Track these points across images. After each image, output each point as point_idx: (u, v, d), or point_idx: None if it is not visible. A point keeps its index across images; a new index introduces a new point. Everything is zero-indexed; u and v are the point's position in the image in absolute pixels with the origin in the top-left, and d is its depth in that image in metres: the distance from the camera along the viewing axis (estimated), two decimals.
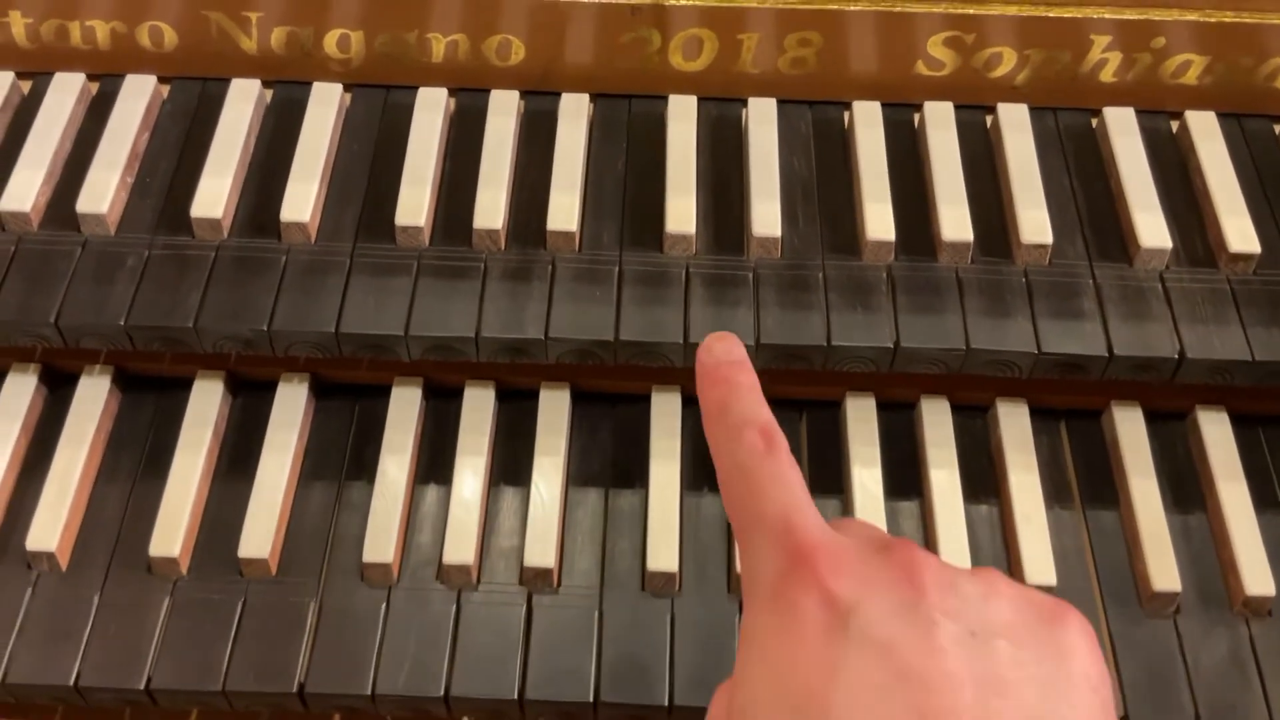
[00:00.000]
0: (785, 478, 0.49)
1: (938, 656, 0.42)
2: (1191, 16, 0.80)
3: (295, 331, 0.73)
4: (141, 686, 0.68)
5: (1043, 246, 0.76)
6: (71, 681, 0.69)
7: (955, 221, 0.76)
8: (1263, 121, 0.84)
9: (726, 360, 0.55)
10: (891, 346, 0.73)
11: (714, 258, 0.76)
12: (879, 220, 0.77)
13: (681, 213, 0.77)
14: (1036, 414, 0.79)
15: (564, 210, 0.77)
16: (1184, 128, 0.83)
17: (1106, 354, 0.72)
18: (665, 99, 0.84)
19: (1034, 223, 0.76)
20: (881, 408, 0.79)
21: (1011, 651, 0.43)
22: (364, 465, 0.77)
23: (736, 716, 0.45)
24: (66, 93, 0.82)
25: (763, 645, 0.45)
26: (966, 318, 0.74)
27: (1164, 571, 0.71)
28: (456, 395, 0.79)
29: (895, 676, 0.42)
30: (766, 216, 0.77)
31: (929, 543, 0.74)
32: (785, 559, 0.46)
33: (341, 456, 0.78)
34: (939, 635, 0.43)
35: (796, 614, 0.44)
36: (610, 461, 0.78)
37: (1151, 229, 0.76)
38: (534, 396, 0.80)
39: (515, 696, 0.68)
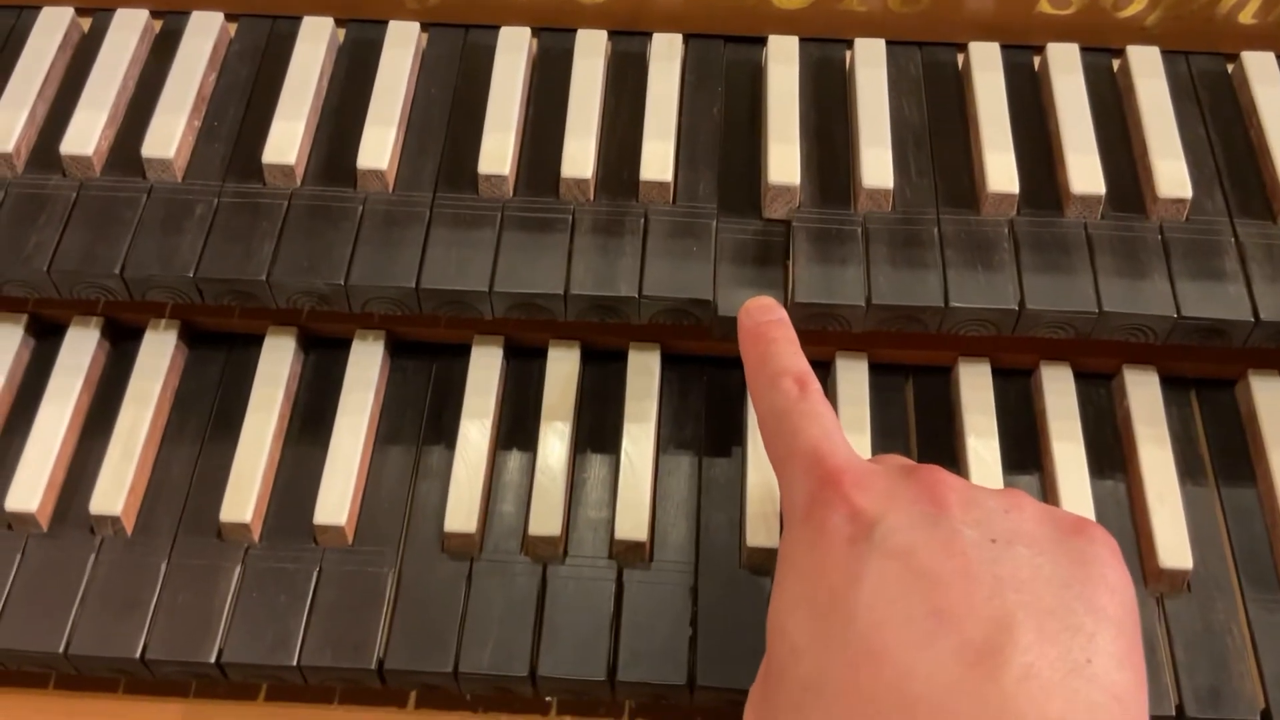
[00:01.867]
0: (817, 413, 0.53)
1: (956, 558, 0.45)
2: None
3: (373, 286, 0.68)
4: (212, 660, 0.65)
5: (1181, 201, 0.70)
6: (138, 654, 0.65)
7: (1085, 172, 0.70)
8: None
9: (765, 319, 0.59)
10: (1015, 308, 0.67)
11: (820, 211, 0.71)
12: (1000, 171, 0.71)
13: (784, 162, 0.71)
14: (1167, 382, 0.73)
15: (658, 159, 0.71)
16: None
17: (1252, 318, 0.66)
18: (764, 40, 0.78)
19: (1171, 174, 0.70)
20: (997, 374, 0.74)
21: (1029, 555, 0.46)
22: (442, 429, 0.73)
23: (771, 629, 0.49)
24: (129, 30, 0.78)
25: (794, 560, 0.49)
26: (1098, 278, 0.68)
27: None
28: (539, 355, 0.75)
29: (914, 576, 0.45)
30: (877, 166, 0.71)
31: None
32: (815, 483, 0.50)
33: (419, 419, 0.73)
34: (958, 540, 0.46)
35: (825, 529, 0.48)
36: (704, 428, 0.73)
37: None
38: (622, 358, 0.75)
39: (605, 677, 0.64)
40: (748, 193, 0.72)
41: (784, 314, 0.60)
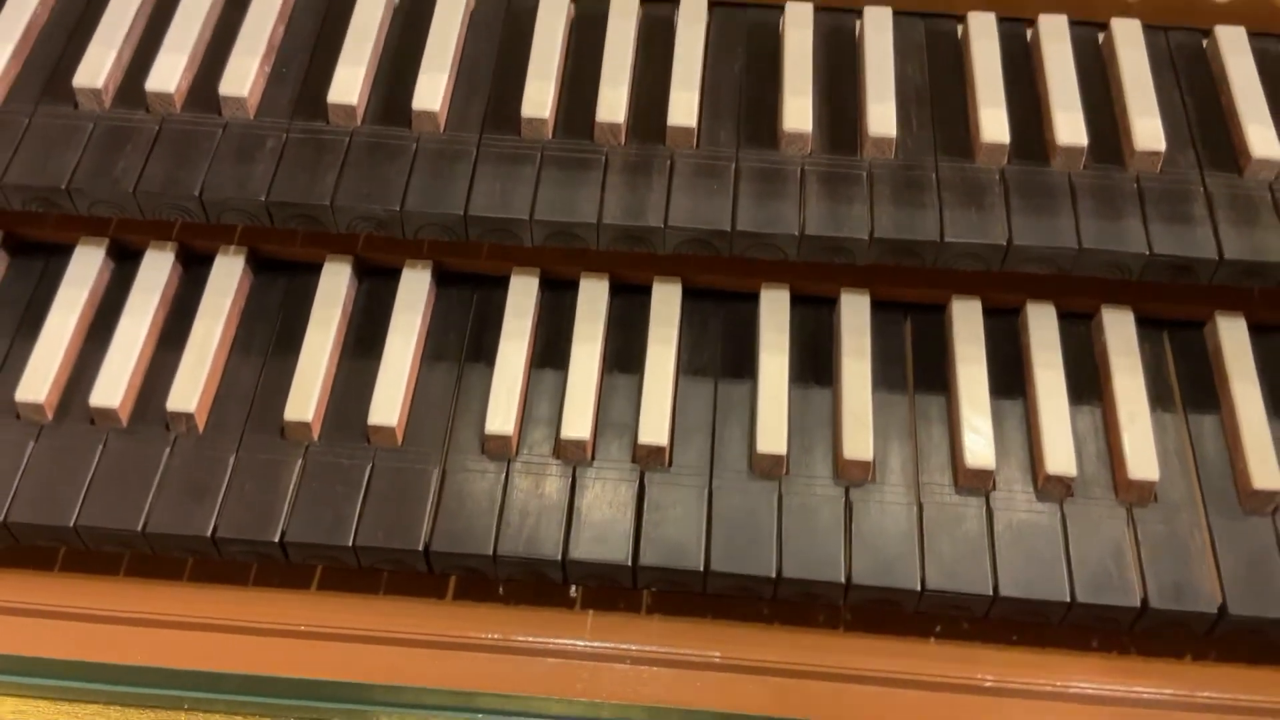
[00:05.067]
0: None
1: None
2: None
3: (425, 213, 0.76)
4: (275, 539, 0.72)
5: (1155, 154, 0.77)
6: (209, 532, 0.72)
7: (1070, 126, 0.78)
8: None
9: None
10: (1004, 244, 0.74)
11: (829, 156, 0.78)
12: (993, 123, 0.78)
13: (798, 111, 0.79)
14: (1141, 322, 0.80)
15: (683, 106, 0.79)
16: None
17: (1217, 257, 0.74)
18: (782, 8, 0.85)
19: (1147, 130, 0.78)
20: (987, 313, 0.81)
21: None
22: (483, 350, 0.80)
23: None
24: None
25: None
26: (1079, 219, 0.75)
27: (1264, 470, 0.73)
28: (572, 287, 0.82)
29: None
30: (881, 117, 0.78)
31: (1034, 442, 0.75)
32: None
33: (462, 340, 0.81)
34: None
35: None
36: (720, 354, 0.80)
37: (1262, 140, 0.77)
38: (647, 291, 0.82)
39: (629, 562, 0.71)
40: (767, 139, 0.79)
41: None
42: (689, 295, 0.82)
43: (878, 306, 0.82)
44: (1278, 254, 0.74)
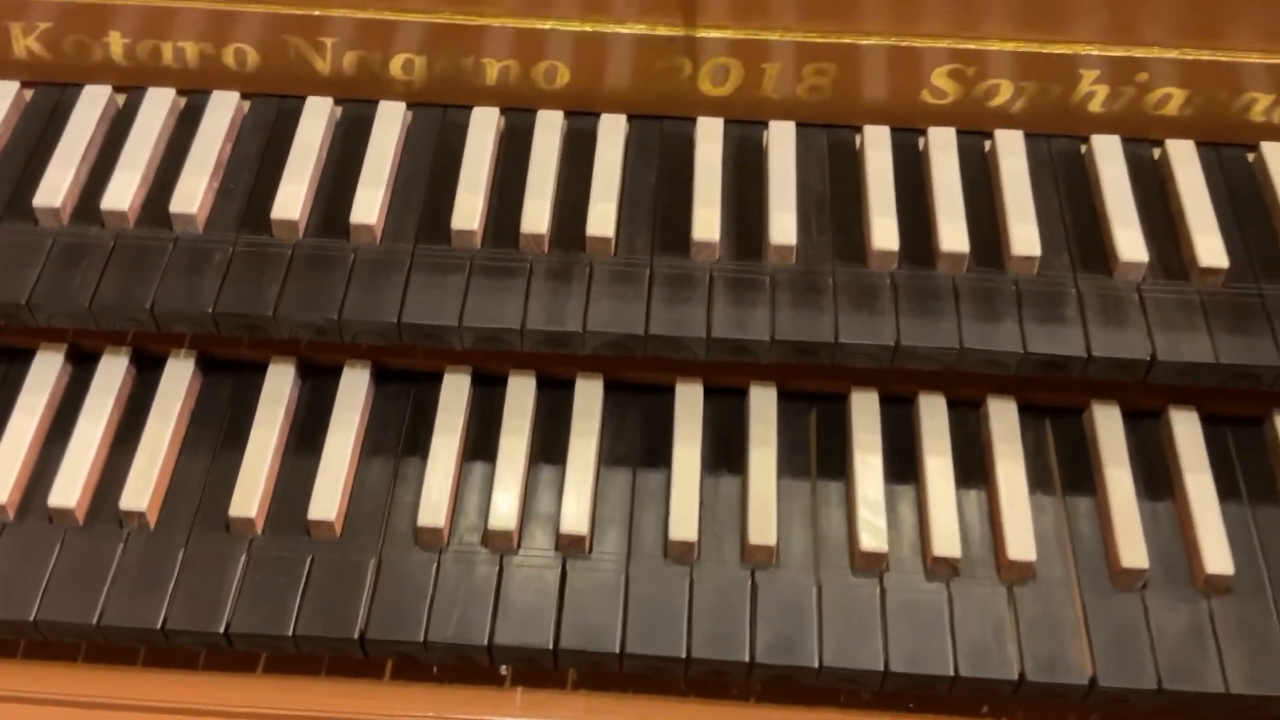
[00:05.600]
0: None
1: None
2: (1172, 54, 0.88)
3: (362, 321, 0.82)
4: (221, 630, 0.77)
5: (1031, 258, 0.84)
6: (159, 625, 0.78)
7: (953, 234, 0.85)
8: (1238, 150, 0.92)
9: None
10: (893, 344, 0.81)
11: (735, 263, 0.85)
12: (884, 232, 0.85)
13: (707, 222, 0.86)
14: (1024, 411, 0.87)
15: (602, 218, 0.86)
16: (1165, 155, 0.91)
17: (1085, 354, 0.81)
18: (694, 121, 0.93)
19: (1024, 236, 0.85)
20: (884, 402, 0.87)
21: None
22: (418, 443, 0.86)
23: None
24: (159, 106, 0.92)
25: None
26: (961, 320, 0.82)
27: (1132, 550, 0.79)
28: (502, 383, 0.88)
29: None
30: (783, 226, 0.85)
31: (923, 521, 0.82)
32: None
33: (398, 435, 0.87)
34: None
35: None
36: (639, 445, 0.87)
37: (1130, 244, 0.85)
38: (571, 386, 0.88)
39: (550, 646, 0.77)
40: (679, 246, 0.86)
41: None
42: (610, 389, 0.89)
43: (784, 397, 0.88)
44: (1142, 351, 0.81)
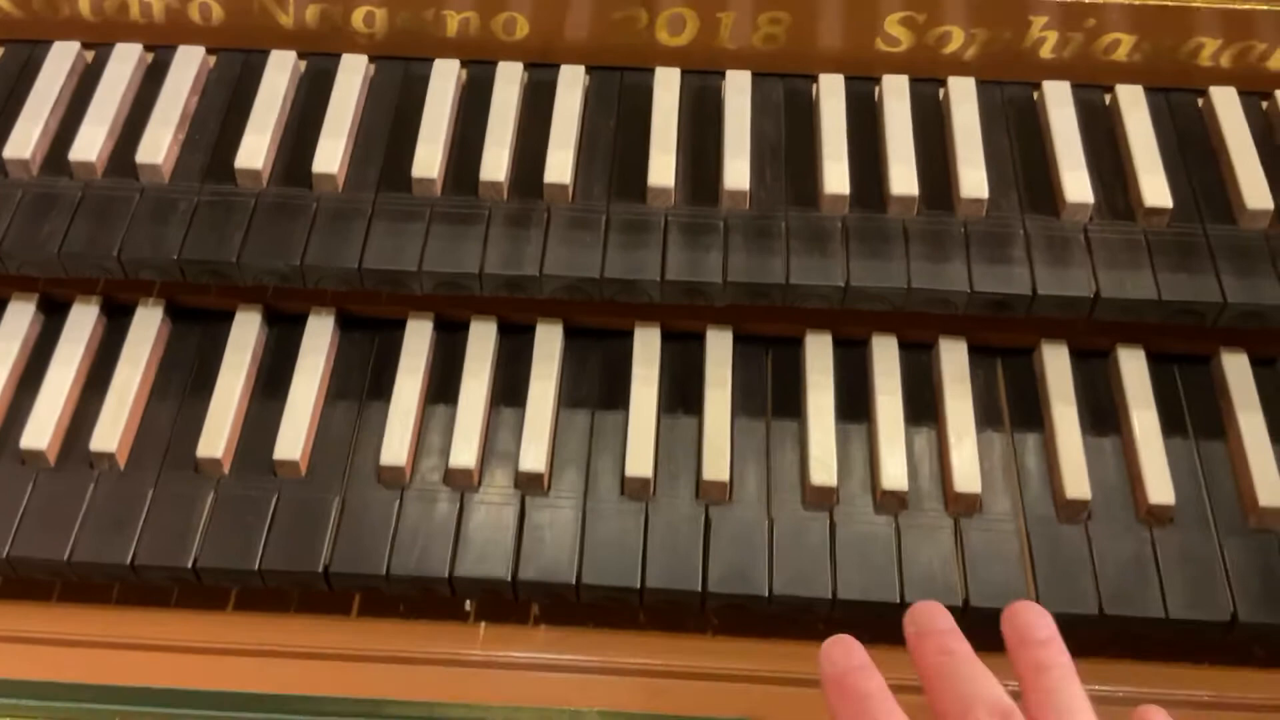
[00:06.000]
0: None
1: None
2: None
3: (324, 267, 0.84)
4: (189, 565, 0.80)
5: (979, 201, 0.86)
6: (128, 560, 0.80)
7: (903, 178, 0.87)
8: (1186, 95, 0.94)
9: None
10: (843, 285, 0.83)
11: (691, 208, 0.87)
12: (836, 176, 0.87)
13: (663, 168, 0.87)
14: (975, 351, 0.89)
15: (559, 165, 0.88)
16: (1114, 100, 0.93)
17: (1030, 292, 0.82)
18: (652, 71, 0.94)
19: (972, 180, 0.87)
20: (837, 344, 0.89)
21: None
22: (382, 388, 0.88)
23: None
24: (126, 61, 0.94)
25: None
26: (910, 261, 0.84)
27: (1076, 482, 0.81)
28: (463, 329, 0.90)
29: None
30: (737, 172, 0.87)
31: (874, 458, 0.84)
32: None
33: (363, 380, 0.89)
34: None
35: None
36: (597, 388, 0.89)
37: (1077, 185, 0.86)
38: (531, 331, 0.90)
39: (509, 578, 0.79)
40: (636, 193, 0.88)
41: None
42: (570, 334, 0.91)
43: (741, 341, 0.90)
44: (1086, 289, 0.83)
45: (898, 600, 0.78)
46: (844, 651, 0.57)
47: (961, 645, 0.56)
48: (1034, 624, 0.58)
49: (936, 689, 0.55)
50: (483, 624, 0.85)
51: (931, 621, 0.58)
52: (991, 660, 0.60)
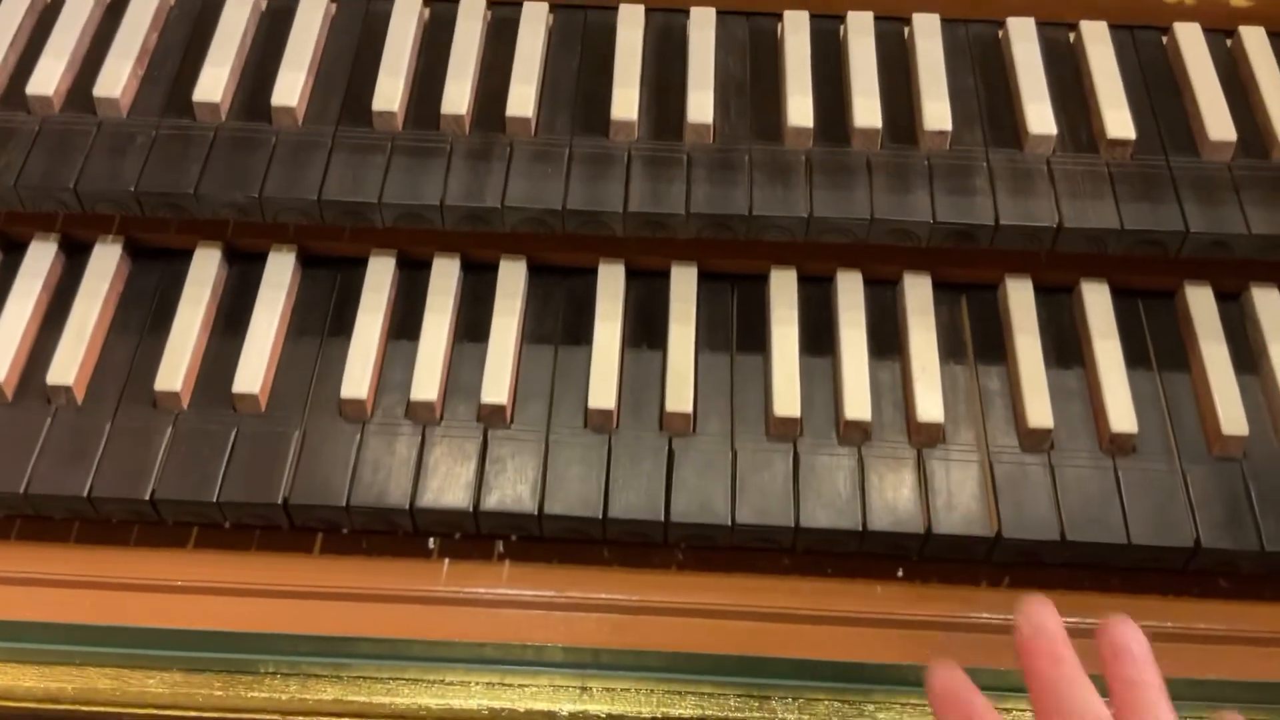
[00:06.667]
0: None
1: None
2: None
3: (283, 199, 0.83)
4: (146, 497, 0.79)
5: (943, 133, 0.86)
6: (85, 493, 0.79)
7: (867, 111, 0.87)
8: (1151, 32, 0.94)
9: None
10: (806, 216, 0.83)
11: (654, 143, 0.87)
12: (799, 110, 0.87)
13: (626, 101, 0.87)
14: (940, 287, 0.89)
15: (522, 99, 0.87)
16: (1079, 37, 0.93)
17: (993, 223, 0.82)
18: (616, 9, 0.94)
19: (936, 112, 0.87)
20: (803, 280, 0.89)
21: None
22: (344, 325, 0.87)
23: None
24: None
25: None
26: (873, 194, 0.84)
27: (1039, 411, 0.81)
28: (426, 266, 0.90)
29: None
30: (700, 105, 0.87)
31: (837, 392, 0.84)
32: None
33: (324, 317, 0.88)
34: None
35: None
36: (561, 324, 0.88)
37: (1039, 118, 0.86)
38: (495, 269, 0.90)
39: (471, 509, 0.79)
40: (599, 127, 0.87)
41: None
42: (534, 271, 0.90)
43: (706, 278, 0.90)
44: (1049, 219, 0.83)
45: (860, 529, 0.78)
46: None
47: (1069, 653, 0.60)
48: (1128, 640, 0.61)
49: (1043, 698, 0.59)
50: (446, 560, 0.85)
51: (1042, 622, 0.61)
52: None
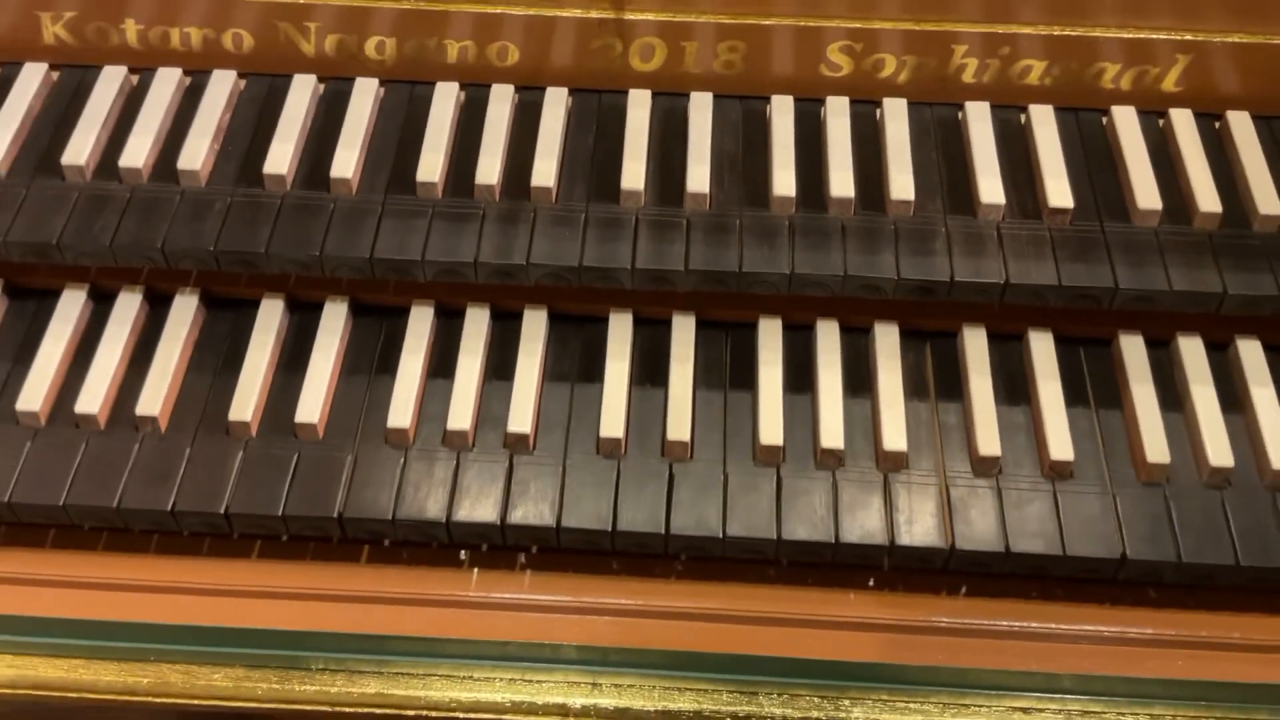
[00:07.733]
0: None
1: None
2: (1029, 30, 1.03)
3: (340, 257, 0.97)
4: (221, 511, 0.92)
5: (907, 202, 1.00)
6: (169, 507, 0.92)
7: (842, 183, 1.00)
8: (1093, 114, 1.07)
9: None
10: (788, 273, 0.96)
11: (658, 209, 1.00)
12: (784, 181, 1.01)
13: (634, 173, 1.01)
14: (907, 335, 1.02)
15: (545, 171, 1.01)
16: (1028, 118, 1.06)
17: (949, 279, 0.96)
18: (626, 93, 1.08)
19: (901, 184, 1.00)
20: (786, 329, 1.02)
21: None
22: (389, 365, 1.01)
23: None
24: (167, 83, 1.08)
25: None
26: (847, 254, 0.97)
27: (989, 441, 0.94)
28: (460, 315, 1.03)
29: None
30: (698, 177, 1.01)
31: (815, 423, 0.97)
32: None
33: (372, 358, 1.02)
34: None
35: None
36: (577, 365, 1.01)
37: (991, 190, 1.00)
38: (519, 317, 1.03)
39: (499, 523, 0.92)
40: (611, 195, 1.01)
41: None
42: (554, 319, 1.04)
43: (703, 326, 1.03)
44: (997, 276, 0.96)
45: (833, 541, 0.91)
46: None
47: None
48: None
49: None
50: (475, 569, 0.98)
51: None
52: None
